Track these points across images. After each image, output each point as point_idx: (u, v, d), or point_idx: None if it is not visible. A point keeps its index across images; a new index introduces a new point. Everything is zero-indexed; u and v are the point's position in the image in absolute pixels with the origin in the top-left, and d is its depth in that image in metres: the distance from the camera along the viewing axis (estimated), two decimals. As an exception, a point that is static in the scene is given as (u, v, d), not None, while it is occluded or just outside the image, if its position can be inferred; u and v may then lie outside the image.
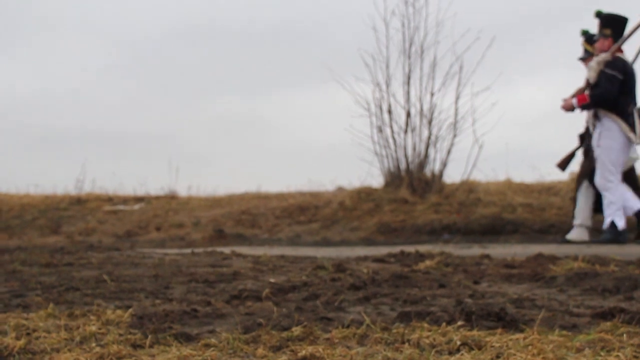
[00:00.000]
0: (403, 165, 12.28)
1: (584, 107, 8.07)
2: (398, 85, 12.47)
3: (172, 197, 12.48)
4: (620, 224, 8.00)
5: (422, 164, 12.21)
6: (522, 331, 2.96)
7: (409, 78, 12.45)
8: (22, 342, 3.02)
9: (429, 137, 12.22)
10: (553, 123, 19.84)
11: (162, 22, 22.26)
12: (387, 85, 12.49)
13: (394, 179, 12.28)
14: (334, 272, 4.43)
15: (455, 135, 12.31)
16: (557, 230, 10.06)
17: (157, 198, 12.62)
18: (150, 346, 2.97)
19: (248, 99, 21.00)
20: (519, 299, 3.59)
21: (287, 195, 12.07)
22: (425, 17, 12.44)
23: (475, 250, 7.06)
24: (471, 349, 2.73)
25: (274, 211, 11.01)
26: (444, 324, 3.12)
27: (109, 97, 21.55)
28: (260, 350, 2.85)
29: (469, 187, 12.15)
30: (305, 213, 11.28)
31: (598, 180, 8.15)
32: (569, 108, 8.18)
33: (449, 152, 12.29)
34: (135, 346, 2.97)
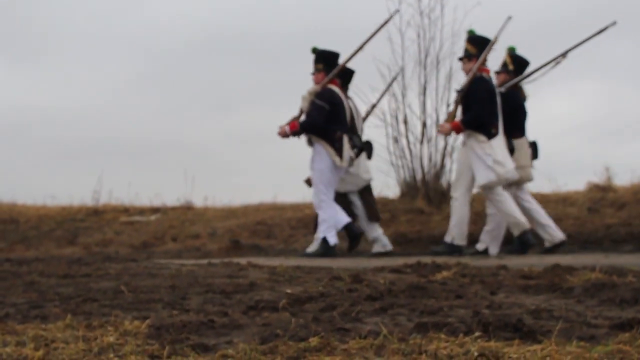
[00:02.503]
0: (419, 176, 12.27)
1: (294, 133, 8.83)
2: (414, 95, 12.48)
3: (188, 208, 12.51)
4: (332, 240, 8.67)
5: (438, 175, 12.20)
6: (539, 342, 2.95)
7: (424, 89, 12.46)
8: (40, 353, 3.03)
9: (445, 148, 12.21)
10: (571, 134, 19.78)
11: (185, 33, 22.36)
12: (403, 96, 12.50)
13: (409, 189, 12.27)
14: (351, 282, 4.44)
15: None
16: (574, 240, 10.03)
17: (173, 209, 12.66)
18: (168, 357, 2.98)
19: (266, 110, 21.05)
20: (536, 309, 3.58)
21: (303, 206, 12.08)
22: (441, 28, 12.45)
23: (492, 261, 7.04)
24: (489, 360, 2.72)
25: (289, 222, 11.01)
26: (461, 335, 3.12)
27: (127, 108, 21.66)
28: (278, 361, 2.85)
29: (483, 196, 12.12)
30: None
31: (313, 199, 8.86)
32: (283, 134, 8.90)
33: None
34: (153, 357, 2.98)
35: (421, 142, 12.29)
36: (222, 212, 11.68)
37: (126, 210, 12.71)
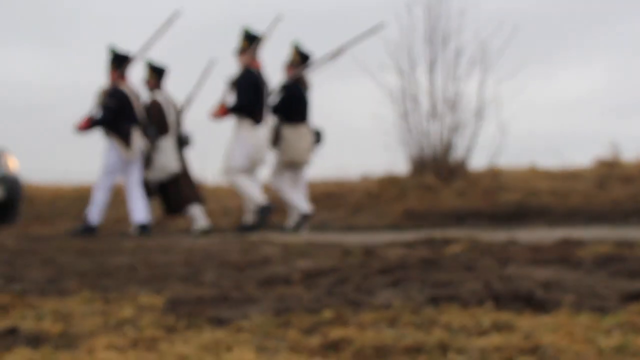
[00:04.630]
0: (428, 152, 12.29)
1: (88, 128, 9.35)
2: (422, 72, 12.47)
3: (200, 186, 12.52)
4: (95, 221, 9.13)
5: (446, 151, 12.22)
6: (550, 313, 2.99)
7: (433, 65, 12.46)
8: (59, 326, 3.09)
9: (454, 124, 12.22)
10: (579, 110, 19.75)
11: (209, 17, 22.43)
12: (411, 73, 12.50)
13: (418, 165, 12.29)
14: (362, 257, 4.48)
15: (479, 122, 12.32)
16: (582, 215, 10.05)
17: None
18: (184, 330, 3.04)
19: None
20: (547, 282, 3.62)
21: (313, 183, 12.13)
22: (449, 3, 12.43)
23: (501, 235, 7.08)
24: (501, 330, 2.77)
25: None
26: (473, 306, 3.17)
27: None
28: (292, 334, 2.90)
29: (493, 173, 12.14)
30: (331, 200, 11.33)
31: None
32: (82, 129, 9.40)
33: (473, 138, 12.30)
34: (169, 330, 3.04)
35: (430, 118, 12.31)
36: (233, 190, 11.71)
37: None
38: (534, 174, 12.42)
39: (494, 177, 11.91)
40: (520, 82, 15.32)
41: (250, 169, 9.10)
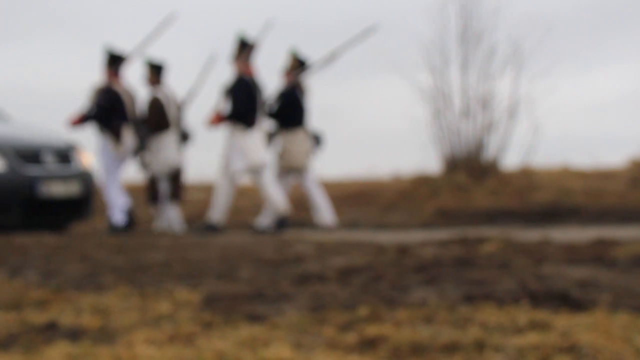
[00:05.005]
0: (460, 151, 12.26)
1: (80, 123, 9.34)
2: (455, 71, 12.44)
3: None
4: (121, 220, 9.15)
5: (479, 150, 12.18)
6: (587, 312, 2.99)
7: (465, 64, 12.43)
8: (98, 321, 3.13)
9: (486, 123, 12.18)
10: (614, 109, 19.59)
11: (240, 18, 22.61)
12: (444, 72, 12.47)
13: (451, 164, 12.26)
14: (396, 255, 4.49)
15: (512, 121, 12.27)
16: (615, 215, 9.98)
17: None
18: (221, 326, 3.06)
19: (313, 87, 21.21)
20: (582, 281, 3.61)
21: (346, 181, 12.15)
22: (481, 2, 12.38)
23: (535, 234, 7.06)
24: (537, 329, 2.77)
25: (333, 196, 11.08)
26: (508, 305, 3.16)
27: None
28: (328, 330, 2.92)
29: (526, 172, 12.09)
30: (363, 198, 11.34)
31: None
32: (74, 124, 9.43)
33: (506, 137, 12.25)
34: (206, 326, 3.06)
35: (462, 117, 12.28)
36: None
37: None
38: (567, 173, 12.35)
39: (527, 177, 11.85)
40: (553, 81, 15.21)
41: (254, 171, 9.16)
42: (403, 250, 4.60)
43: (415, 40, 12.09)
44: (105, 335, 2.93)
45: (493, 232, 5.83)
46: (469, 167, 12.04)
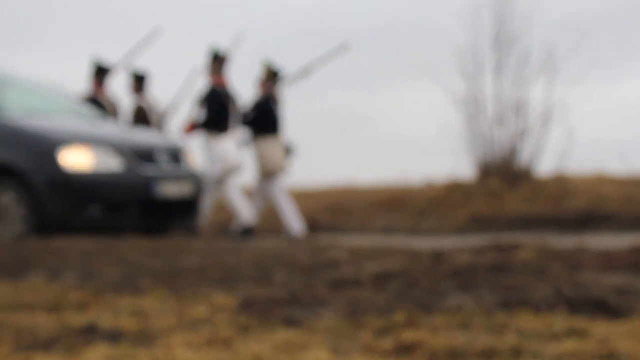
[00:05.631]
0: (493, 157, 12.21)
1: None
2: (488, 76, 12.39)
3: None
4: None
5: (512, 156, 12.12)
6: (624, 319, 2.98)
7: (498, 69, 12.37)
8: (136, 323, 3.17)
9: (519, 129, 12.12)
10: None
11: (278, 23, 22.77)
12: (477, 77, 12.43)
13: (484, 170, 12.21)
14: (431, 260, 4.49)
15: (546, 127, 12.20)
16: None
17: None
18: (257, 330, 3.08)
19: (347, 94, 21.27)
20: (619, 288, 3.59)
21: (378, 187, 12.14)
22: (515, 7, 12.33)
23: (569, 241, 7.02)
24: (575, 336, 2.76)
25: (365, 202, 11.09)
26: (545, 311, 3.16)
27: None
28: (364, 335, 2.93)
29: (560, 178, 12.01)
30: (396, 204, 11.32)
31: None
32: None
33: (539, 143, 12.18)
34: (243, 329, 3.09)
35: (495, 123, 12.23)
36: (298, 192, 11.81)
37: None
38: (602, 180, 12.25)
39: (561, 183, 11.77)
40: (587, 87, 15.11)
41: (230, 175, 9.42)
42: (438, 256, 4.59)
43: (448, 46, 12.06)
44: (144, 338, 2.96)
45: (528, 239, 5.81)
46: (503, 173, 11.98)
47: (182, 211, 7.99)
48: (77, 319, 3.23)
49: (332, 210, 10.62)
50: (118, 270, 4.37)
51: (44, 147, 7.32)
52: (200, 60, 10.15)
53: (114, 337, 2.96)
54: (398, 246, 5.60)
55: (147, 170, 7.55)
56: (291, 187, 11.78)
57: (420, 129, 19.34)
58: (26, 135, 7.44)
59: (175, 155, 8.00)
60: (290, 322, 3.19)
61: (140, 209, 7.51)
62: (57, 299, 3.67)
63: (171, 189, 7.70)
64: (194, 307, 3.47)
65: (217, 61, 9.71)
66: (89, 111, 8.82)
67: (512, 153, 12.14)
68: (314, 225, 9.79)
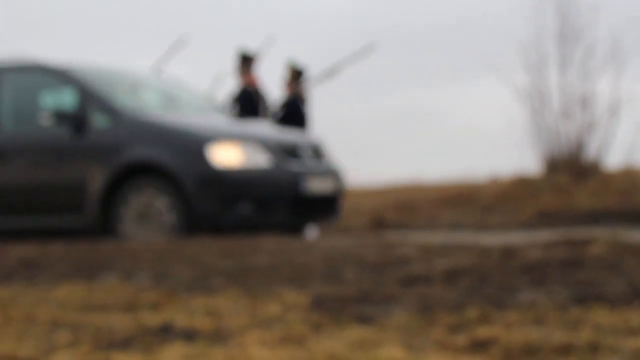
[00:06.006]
0: (560, 151, 12.07)
1: None
2: (553, 70, 12.26)
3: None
4: None
5: (580, 150, 11.97)
6: None
7: (564, 63, 12.23)
8: (210, 322, 3.20)
9: (587, 122, 11.96)
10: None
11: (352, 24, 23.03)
12: (542, 71, 12.31)
13: (551, 165, 12.08)
14: (501, 256, 4.46)
15: (613, 120, 12.02)
16: None
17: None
18: (330, 327, 3.10)
19: (413, 91, 21.25)
20: (697, 282, 3.52)
21: (444, 183, 12.10)
22: (580, 0, 12.18)
23: (641, 235, 6.91)
24: (653, 331, 2.72)
25: (431, 198, 11.06)
26: (620, 306, 3.12)
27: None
28: (437, 331, 2.93)
29: (629, 172, 11.84)
30: (462, 200, 11.27)
31: None
32: None
33: (607, 137, 12.02)
34: (316, 327, 3.10)
35: (562, 117, 12.09)
36: (366, 189, 11.85)
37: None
38: (673, 172, 12.03)
39: (630, 177, 11.59)
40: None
41: None
42: (508, 252, 4.56)
43: (512, 40, 11.97)
44: (218, 337, 2.99)
45: (599, 233, 5.73)
46: (570, 167, 11.84)
47: (326, 208, 7.74)
48: (152, 319, 3.28)
49: (399, 208, 10.61)
50: (190, 271, 4.43)
51: (193, 145, 7.09)
52: (226, 65, 10.38)
53: (189, 336, 3.00)
54: (467, 242, 5.57)
55: (294, 166, 7.32)
56: (358, 186, 11.81)
57: (486, 125, 19.23)
58: (172, 132, 7.22)
59: (317, 151, 7.79)
60: (362, 320, 3.20)
61: (289, 206, 7.24)
62: (132, 299, 3.74)
63: (317, 186, 7.46)
64: (267, 306, 3.49)
65: (246, 62, 9.86)
66: (221, 107, 8.79)
67: (579, 147, 12.00)
68: (381, 223, 9.78)
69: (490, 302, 3.36)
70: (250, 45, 10.05)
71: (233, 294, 3.78)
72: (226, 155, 7.05)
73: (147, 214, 7.00)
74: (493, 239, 6.44)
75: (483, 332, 2.83)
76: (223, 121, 8.10)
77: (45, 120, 7.32)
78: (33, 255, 5.41)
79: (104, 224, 7.09)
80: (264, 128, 8.05)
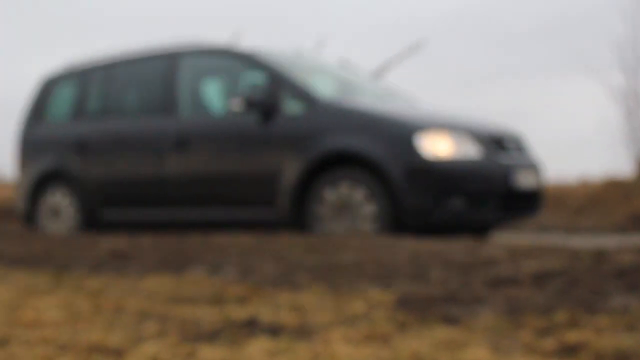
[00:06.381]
0: (655, 153, 11.79)
1: None
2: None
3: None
4: None
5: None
6: None
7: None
8: (295, 318, 3.21)
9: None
10: None
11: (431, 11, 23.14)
12: (637, 70, 12.03)
13: (645, 167, 11.82)
14: (592, 259, 4.36)
15: None
16: None
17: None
18: (416, 327, 3.07)
19: (502, 90, 21.10)
20: None
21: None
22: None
23: None
24: None
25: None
26: None
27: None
28: (525, 335, 2.87)
29: None
30: (552, 202, 11.10)
31: None
32: None
33: None
34: (401, 326, 3.08)
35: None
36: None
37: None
38: None
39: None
40: None
41: None
42: (600, 255, 4.45)
43: (606, 40, 11.72)
44: (303, 333, 2.99)
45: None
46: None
47: (530, 204, 7.16)
48: (238, 313, 3.30)
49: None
50: (276, 266, 4.45)
51: (400, 133, 6.49)
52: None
53: (274, 331, 3.00)
54: (557, 245, 5.47)
55: (504, 159, 6.77)
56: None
57: (575, 126, 18.94)
58: (375, 120, 6.60)
59: (519, 143, 7.25)
60: (448, 320, 3.16)
61: (500, 201, 6.68)
62: (218, 293, 3.77)
63: (524, 180, 6.91)
64: (351, 303, 3.48)
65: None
66: (403, 94, 8.06)
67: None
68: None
69: (581, 306, 3.28)
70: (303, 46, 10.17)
71: (318, 290, 3.78)
72: (437, 146, 6.47)
73: (345, 207, 6.54)
74: (584, 242, 6.32)
75: (572, 336, 2.77)
76: (424, 109, 7.40)
77: (234, 107, 6.95)
78: (123, 247, 5.51)
79: (298, 218, 6.73)
80: (470, 117, 7.30)
